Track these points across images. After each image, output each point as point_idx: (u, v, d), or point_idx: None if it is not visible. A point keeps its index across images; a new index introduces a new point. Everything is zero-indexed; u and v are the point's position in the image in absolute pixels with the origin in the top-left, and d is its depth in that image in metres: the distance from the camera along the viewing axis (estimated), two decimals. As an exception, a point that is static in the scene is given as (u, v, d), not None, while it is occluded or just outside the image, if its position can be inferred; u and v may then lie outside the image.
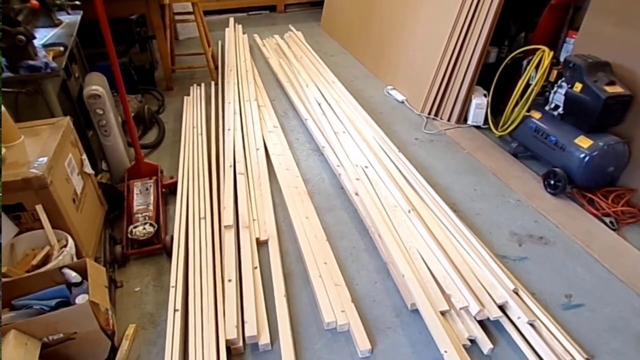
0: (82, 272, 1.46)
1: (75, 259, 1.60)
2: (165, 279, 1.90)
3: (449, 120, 3.16)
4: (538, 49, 2.55)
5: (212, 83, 3.65)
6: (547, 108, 2.51)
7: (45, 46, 2.08)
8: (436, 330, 1.58)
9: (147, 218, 2.07)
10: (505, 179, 2.54)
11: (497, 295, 1.71)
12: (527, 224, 2.22)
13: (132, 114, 2.59)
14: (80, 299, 1.40)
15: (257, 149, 2.71)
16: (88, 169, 1.97)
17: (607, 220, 2.20)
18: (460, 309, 1.67)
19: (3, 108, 1.62)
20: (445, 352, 1.51)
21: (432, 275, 1.81)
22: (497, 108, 2.97)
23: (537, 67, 2.53)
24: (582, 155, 2.24)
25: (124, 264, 1.99)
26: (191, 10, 3.64)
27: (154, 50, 4.01)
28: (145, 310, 1.78)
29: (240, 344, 1.59)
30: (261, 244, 2.07)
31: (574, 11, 2.71)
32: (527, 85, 2.59)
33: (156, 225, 2.04)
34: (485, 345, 1.58)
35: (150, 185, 2.26)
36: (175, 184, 2.38)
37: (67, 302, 1.41)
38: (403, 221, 2.09)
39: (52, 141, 1.68)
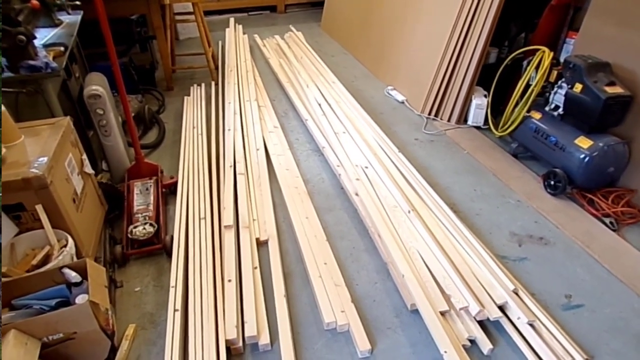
0: (82, 272, 1.46)
1: (75, 259, 1.60)
2: (165, 279, 1.90)
3: (449, 120, 3.16)
4: (538, 50, 2.55)
5: (213, 83, 3.65)
6: (547, 108, 2.51)
7: (46, 46, 2.08)
8: (436, 331, 1.58)
9: (147, 218, 2.07)
10: (505, 180, 2.55)
11: (497, 296, 1.71)
12: (527, 224, 2.22)
13: (133, 114, 2.59)
14: (80, 299, 1.40)
15: (257, 149, 2.71)
16: (88, 168, 1.97)
17: (607, 220, 2.20)
18: (460, 309, 1.67)
19: (3, 108, 1.62)
20: (445, 352, 1.51)
21: (432, 276, 1.81)
22: (497, 108, 2.97)
23: (537, 68, 2.53)
24: (582, 156, 2.24)
25: (124, 264, 1.99)
26: (191, 10, 3.65)
27: (155, 50, 4.01)
28: (145, 310, 1.78)
29: (240, 344, 1.59)
30: (261, 244, 2.07)
31: (574, 12, 2.72)
32: (527, 85, 2.59)
33: (156, 225, 2.04)
34: (485, 345, 1.58)
35: (151, 185, 2.26)
36: (175, 184, 2.38)
37: (67, 302, 1.41)
38: (403, 221, 2.09)
39: (53, 141, 1.68)
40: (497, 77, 2.84)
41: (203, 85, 3.62)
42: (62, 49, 2.08)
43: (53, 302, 1.41)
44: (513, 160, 2.72)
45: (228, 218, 2.08)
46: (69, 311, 1.35)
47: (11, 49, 1.80)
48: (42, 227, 1.59)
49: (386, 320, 1.73)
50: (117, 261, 1.97)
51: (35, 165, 1.54)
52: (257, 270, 1.89)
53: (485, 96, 3.03)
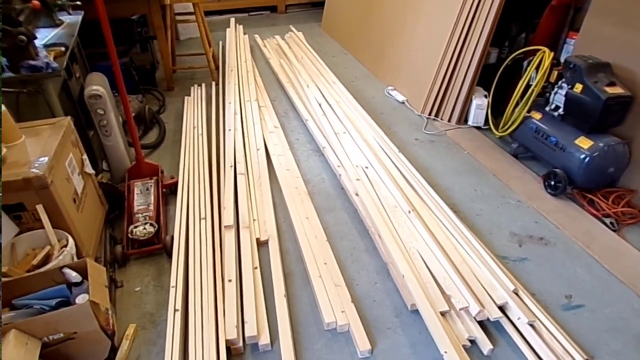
0: (83, 271, 1.46)
1: (75, 259, 1.60)
2: (165, 279, 1.90)
3: (449, 120, 3.16)
4: (538, 50, 2.55)
5: (213, 83, 3.65)
6: (547, 109, 2.51)
7: (47, 46, 2.08)
8: (436, 331, 1.58)
9: (147, 218, 2.08)
10: (506, 180, 2.55)
11: (497, 296, 1.71)
12: (528, 224, 2.22)
13: (133, 114, 2.60)
14: (81, 299, 1.40)
15: (258, 149, 2.71)
16: (89, 168, 1.97)
17: (608, 221, 2.20)
18: (460, 309, 1.67)
19: (4, 108, 1.62)
20: (445, 352, 1.51)
21: (432, 276, 1.81)
22: (497, 109, 2.97)
23: (537, 68, 2.53)
24: (583, 156, 2.24)
25: (124, 263, 1.99)
26: (192, 10, 3.65)
27: (155, 50, 4.02)
28: (145, 310, 1.78)
29: (240, 344, 1.59)
30: (261, 244, 2.07)
31: (574, 12, 2.72)
32: (528, 86, 2.59)
33: (156, 225, 2.04)
34: (485, 345, 1.58)
35: (151, 185, 2.27)
36: (175, 184, 2.38)
37: (67, 302, 1.42)
38: (403, 222, 2.09)
39: (53, 141, 1.69)
40: (497, 77, 2.84)
41: (203, 85, 3.63)
42: (62, 49, 2.08)
43: (53, 302, 1.41)
44: (513, 161, 2.72)
45: (228, 218, 2.09)
46: (70, 311, 1.35)
47: (12, 49, 1.80)
48: (42, 227, 1.59)
49: (386, 320, 1.73)
50: (117, 261, 1.98)
51: (36, 165, 1.54)
52: (258, 270, 1.89)
53: (485, 96, 3.03)
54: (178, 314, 1.64)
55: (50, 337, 1.35)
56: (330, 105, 3.13)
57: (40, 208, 1.57)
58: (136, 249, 2.00)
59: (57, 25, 2.42)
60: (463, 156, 2.80)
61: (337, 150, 2.65)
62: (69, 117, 1.87)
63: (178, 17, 4.31)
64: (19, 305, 1.42)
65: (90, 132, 2.34)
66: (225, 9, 5.80)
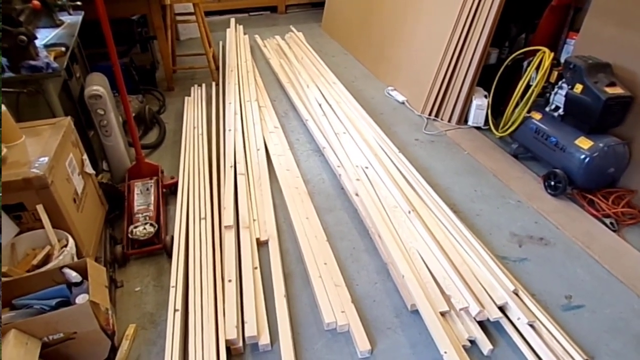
0: (83, 271, 1.47)
1: (75, 259, 1.61)
2: (165, 279, 1.90)
3: (449, 121, 3.16)
4: (538, 50, 2.55)
5: (213, 83, 3.65)
6: (547, 109, 2.51)
7: (47, 46, 2.08)
8: (436, 331, 1.58)
9: (147, 218, 2.08)
10: (506, 180, 2.55)
11: (497, 296, 1.71)
12: (528, 225, 2.22)
13: (133, 114, 2.60)
14: (81, 299, 1.40)
15: (258, 150, 2.71)
16: (89, 169, 1.97)
17: (608, 221, 2.20)
18: (460, 309, 1.67)
19: (4, 108, 1.62)
20: (445, 352, 1.51)
21: (432, 276, 1.82)
22: (497, 109, 2.97)
23: (537, 68, 2.53)
24: (583, 157, 2.24)
25: (124, 263, 1.99)
26: (192, 10, 3.65)
27: (155, 50, 4.02)
28: (145, 310, 1.78)
29: (240, 344, 1.59)
30: (261, 244, 2.07)
31: (574, 12, 2.72)
32: (528, 86, 2.59)
33: (156, 225, 2.04)
34: (485, 346, 1.58)
35: (151, 186, 2.27)
36: (175, 184, 2.38)
37: (67, 302, 1.42)
38: (403, 222, 2.09)
39: (53, 141, 1.69)
40: (497, 77, 2.84)
41: (204, 85, 3.63)
42: (63, 49, 2.08)
43: (53, 302, 1.41)
44: (513, 161, 2.72)
45: (228, 218, 2.09)
46: (70, 311, 1.36)
47: (12, 49, 1.80)
48: (42, 227, 1.59)
49: (386, 320, 1.73)
50: (117, 261, 1.98)
51: (36, 165, 1.54)
52: (257, 271, 1.89)
53: (485, 97, 3.03)
54: (178, 314, 1.64)
55: (50, 337, 1.35)
56: (330, 106, 3.13)
57: (40, 208, 1.57)
58: (136, 249, 2.00)
59: (57, 26, 2.42)
60: (463, 156, 2.80)
61: (337, 151, 2.65)
62: (69, 117, 1.87)
63: (178, 18, 4.31)
64: (19, 305, 1.42)
65: (91, 132, 2.34)
66: (225, 9, 5.80)
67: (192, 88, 3.57)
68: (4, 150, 1.61)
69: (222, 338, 1.57)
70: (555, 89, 2.45)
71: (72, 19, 2.52)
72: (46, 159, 1.58)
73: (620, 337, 1.67)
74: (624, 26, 2.29)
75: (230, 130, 2.82)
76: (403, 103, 3.47)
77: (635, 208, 2.26)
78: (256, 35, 4.89)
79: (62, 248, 1.61)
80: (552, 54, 2.49)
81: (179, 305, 1.68)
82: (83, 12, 2.59)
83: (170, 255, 1.96)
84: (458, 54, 3.01)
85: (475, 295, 1.71)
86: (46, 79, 1.86)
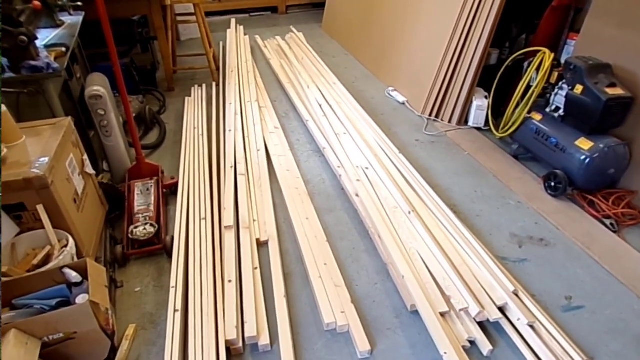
0: (83, 272, 1.47)
1: (75, 259, 1.61)
2: (165, 279, 1.90)
3: (449, 121, 3.16)
4: (539, 51, 2.55)
5: (214, 84, 3.65)
6: (547, 110, 2.51)
7: (47, 47, 2.08)
8: (436, 332, 1.58)
9: (147, 218, 2.08)
10: (506, 181, 2.54)
11: (497, 297, 1.71)
12: (528, 225, 2.22)
13: (134, 115, 2.60)
14: (81, 299, 1.40)
15: (258, 150, 2.72)
16: (89, 169, 1.98)
17: (608, 222, 2.20)
18: (460, 310, 1.67)
19: (5, 108, 1.63)
20: (445, 353, 1.51)
21: (432, 277, 1.81)
22: (497, 110, 2.97)
23: (538, 69, 2.53)
24: (583, 157, 2.24)
25: (125, 264, 1.99)
26: (193, 11, 3.66)
27: (156, 51, 4.02)
28: (145, 310, 1.79)
29: (240, 344, 1.59)
30: (261, 245, 2.07)
31: (575, 13, 2.72)
32: (528, 87, 2.59)
33: (157, 226, 2.04)
34: (485, 346, 1.58)
35: (151, 186, 2.27)
36: (176, 185, 2.38)
37: (67, 302, 1.42)
38: (403, 222, 2.09)
39: (54, 141, 1.69)
40: (497, 78, 2.84)
41: (204, 86, 3.63)
42: (63, 49, 2.09)
43: (53, 302, 1.41)
44: (513, 162, 2.72)
45: (228, 218, 2.09)
46: (70, 311, 1.36)
47: (13, 50, 1.80)
48: (43, 227, 1.59)
49: (386, 321, 1.73)
50: (117, 261, 1.98)
51: (37, 165, 1.55)
52: (257, 271, 1.89)
53: (486, 97, 3.03)
54: (178, 314, 1.64)
55: (50, 337, 1.35)
56: (330, 106, 3.13)
57: (40, 208, 1.57)
58: (136, 249, 2.00)
59: (58, 26, 2.42)
60: (463, 157, 2.80)
61: (337, 151, 2.65)
62: (69, 118, 1.87)
63: (179, 18, 4.32)
64: (19, 305, 1.42)
65: (91, 133, 2.34)
66: (225, 9, 5.81)
67: (193, 88, 3.57)
68: (5, 151, 1.61)
69: (222, 338, 1.57)
70: (556, 90, 2.45)
71: (73, 20, 2.52)
72: (46, 159, 1.58)
73: (621, 338, 1.67)
74: (624, 27, 2.29)
75: (230, 130, 2.82)
76: (403, 104, 3.47)
77: (636, 209, 2.26)
78: (257, 36, 4.89)
79: (62, 248, 1.61)
80: (552, 55, 2.49)
81: (179, 306, 1.68)
82: (84, 13, 2.60)
83: (170, 256, 1.96)
84: (458, 55, 3.01)
85: (475, 295, 1.71)
86: (47, 79, 1.86)
